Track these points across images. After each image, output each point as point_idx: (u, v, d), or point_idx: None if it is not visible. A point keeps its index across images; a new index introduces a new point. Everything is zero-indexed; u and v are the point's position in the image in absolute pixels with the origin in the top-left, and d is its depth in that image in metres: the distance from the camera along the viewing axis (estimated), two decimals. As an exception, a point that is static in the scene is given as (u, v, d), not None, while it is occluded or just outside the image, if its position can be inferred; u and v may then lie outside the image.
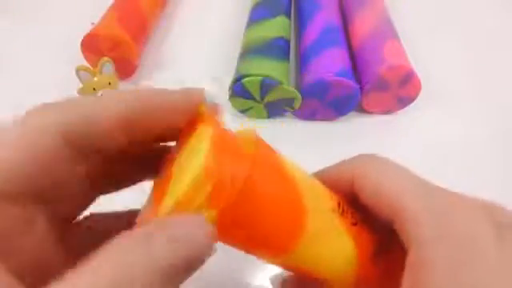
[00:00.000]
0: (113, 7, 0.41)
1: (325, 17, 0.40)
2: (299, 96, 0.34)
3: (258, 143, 0.13)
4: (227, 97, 0.35)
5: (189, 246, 0.10)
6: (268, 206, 0.13)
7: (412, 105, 0.36)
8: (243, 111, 0.36)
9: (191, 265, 0.11)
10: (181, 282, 0.11)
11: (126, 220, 0.15)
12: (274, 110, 0.36)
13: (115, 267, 0.09)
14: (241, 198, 0.12)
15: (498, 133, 0.36)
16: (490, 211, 0.13)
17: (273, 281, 0.22)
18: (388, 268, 0.16)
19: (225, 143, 0.12)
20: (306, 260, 0.15)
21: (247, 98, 0.35)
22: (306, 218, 0.14)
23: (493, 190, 0.31)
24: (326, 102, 0.35)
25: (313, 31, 0.38)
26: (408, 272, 0.13)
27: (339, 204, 0.16)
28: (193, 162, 0.11)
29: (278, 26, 0.39)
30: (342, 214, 0.15)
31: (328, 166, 0.17)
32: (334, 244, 0.15)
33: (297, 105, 0.35)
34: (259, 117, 0.37)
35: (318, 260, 0.15)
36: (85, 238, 0.14)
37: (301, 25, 0.42)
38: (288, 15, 0.42)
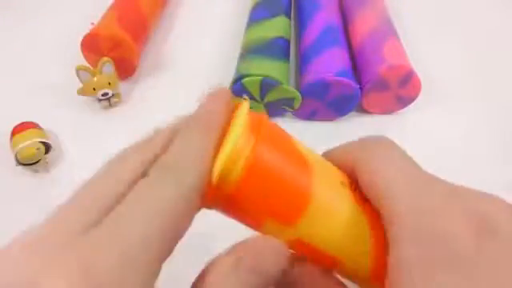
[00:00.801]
0: (113, 7, 0.41)
1: (325, 17, 0.40)
2: (299, 96, 0.34)
3: (264, 118, 0.15)
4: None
5: (270, 272, 0.12)
6: (276, 174, 0.14)
7: (412, 105, 0.36)
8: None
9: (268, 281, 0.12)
10: None
11: None
12: (274, 110, 0.36)
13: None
14: (251, 167, 0.13)
15: (498, 132, 0.36)
16: (475, 211, 0.13)
17: None
18: None
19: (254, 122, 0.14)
20: (316, 232, 0.14)
21: (247, 98, 0.35)
22: (313, 185, 0.14)
23: (493, 190, 0.31)
24: (326, 102, 0.35)
25: (313, 31, 0.38)
26: (388, 272, 0.13)
27: (350, 182, 0.15)
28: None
29: (277, 26, 0.39)
30: (353, 190, 0.15)
31: (335, 146, 0.17)
32: (344, 216, 0.15)
33: (297, 105, 0.35)
34: (259, 117, 0.37)
35: (328, 233, 0.14)
36: None
37: (301, 25, 0.42)
38: (288, 15, 0.42)
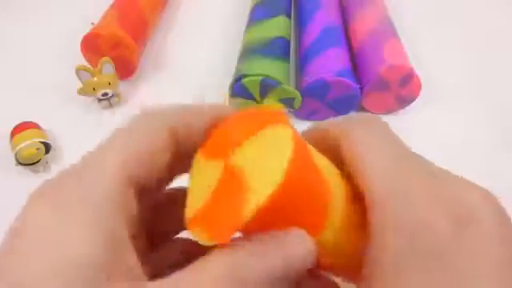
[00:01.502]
0: (113, 7, 0.41)
1: (325, 16, 0.40)
2: (299, 96, 0.34)
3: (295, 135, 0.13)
4: (227, 97, 0.35)
5: (298, 265, 0.12)
6: (303, 194, 0.13)
7: (412, 105, 0.36)
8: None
9: (294, 277, 0.12)
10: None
11: None
12: (274, 109, 0.36)
13: (230, 268, 0.11)
14: (284, 187, 0.12)
15: (498, 132, 0.36)
16: (456, 198, 0.13)
17: None
18: None
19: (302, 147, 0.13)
20: (323, 250, 0.14)
21: (247, 98, 0.34)
22: (330, 205, 0.14)
23: (493, 190, 0.31)
24: (326, 102, 0.35)
25: (313, 31, 0.38)
26: (366, 262, 0.13)
27: (350, 188, 0.15)
28: (275, 166, 0.11)
29: (278, 26, 0.39)
30: (352, 197, 0.15)
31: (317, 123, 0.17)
32: (348, 229, 0.15)
33: (297, 105, 0.35)
34: (259, 117, 0.37)
35: (334, 248, 0.14)
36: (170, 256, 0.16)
37: (301, 24, 0.42)
38: (288, 15, 0.42)
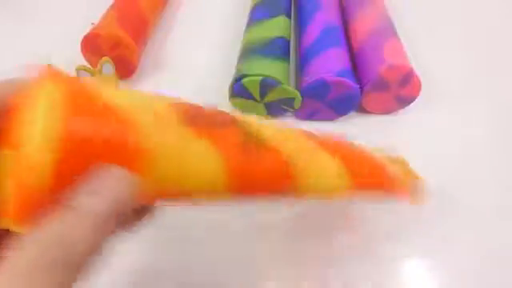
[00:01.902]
0: (113, 7, 0.41)
1: (325, 16, 0.40)
2: (299, 96, 0.34)
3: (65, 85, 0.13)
4: (227, 97, 0.35)
5: (113, 200, 0.12)
6: (94, 145, 0.12)
7: (412, 105, 0.36)
8: (243, 111, 0.36)
9: (118, 214, 0.12)
10: (112, 230, 0.12)
11: None
12: (274, 109, 0.36)
13: (43, 247, 0.10)
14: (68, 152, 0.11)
15: (498, 132, 0.36)
16: None
17: None
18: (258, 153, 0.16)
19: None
20: (161, 182, 0.14)
21: (247, 98, 0.35)
22: (140, 142, 0.13)
23: (493, 190, 0.31)
24: (326, 102, 0.35)
25: (313, 31, 0.38)
26: None
27: (189, 112, 0.15)
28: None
29: (278, 26, 0.39)
30: (187, 120, 0.15)
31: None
32: (189, 155, 0.14)
33: (297, 105, 0.35)
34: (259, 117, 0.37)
35: (176, 177, 0.14)
36: None
37: (301, 24, 0.42)
38: (288, 15, 0.42)
